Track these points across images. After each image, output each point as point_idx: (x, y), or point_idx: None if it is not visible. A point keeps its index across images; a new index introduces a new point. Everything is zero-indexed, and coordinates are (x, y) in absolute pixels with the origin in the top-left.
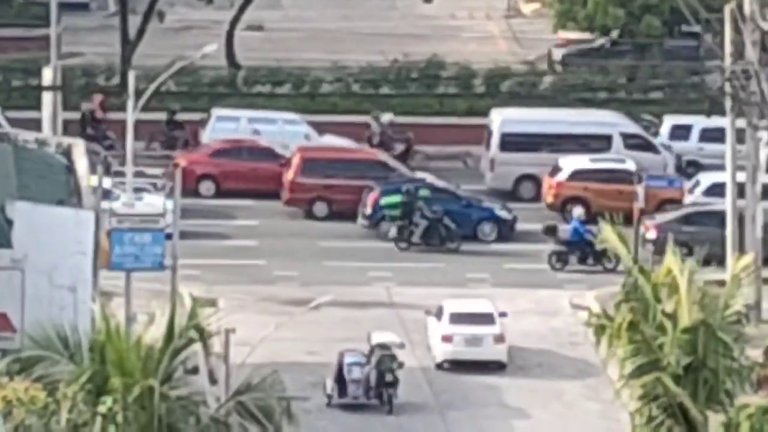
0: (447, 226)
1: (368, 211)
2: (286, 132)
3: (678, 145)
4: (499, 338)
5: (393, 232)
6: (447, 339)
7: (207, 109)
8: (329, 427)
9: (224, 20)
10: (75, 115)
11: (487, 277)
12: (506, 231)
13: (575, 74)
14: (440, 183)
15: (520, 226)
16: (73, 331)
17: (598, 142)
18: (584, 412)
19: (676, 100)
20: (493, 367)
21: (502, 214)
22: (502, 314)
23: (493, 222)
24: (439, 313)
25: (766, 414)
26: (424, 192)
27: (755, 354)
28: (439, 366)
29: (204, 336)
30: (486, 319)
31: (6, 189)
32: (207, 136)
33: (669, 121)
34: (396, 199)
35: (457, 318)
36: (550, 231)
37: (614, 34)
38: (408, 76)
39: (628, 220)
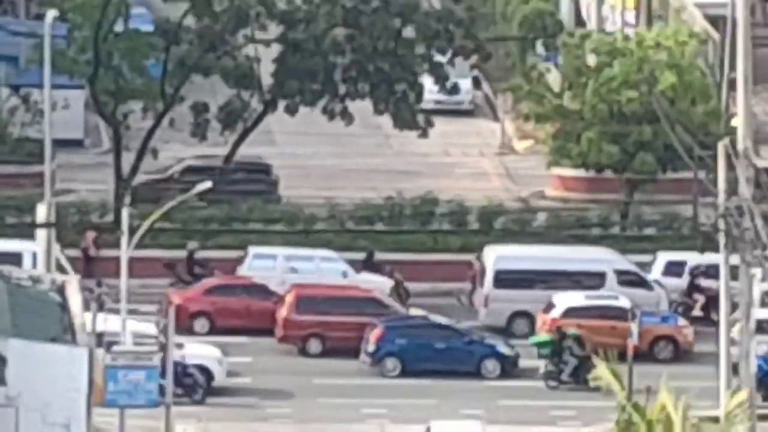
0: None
1: (371, 348)
2: (324, 269)
3: (671, 282)
4: None
5: (542, 370)
6: None
7: (202, 246)
8: None
9: (218, 157)
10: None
11: (481, 413)
12: (509, 367)
13: (569, 210)
14: (441, 319)
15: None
16: None
17: (592, 279)
18: None
19: (669, 236)
20: None
21: (505, 350)
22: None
23: (496, 358)
24: None
25: None
26: (572, 332)
27: None
28: None
29: None
30: None
31: None
32: (244, 273)
33: (662, 258)
34: (546, 338)
35: None
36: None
37: None
38: (402, 213)
39: (622, 356)
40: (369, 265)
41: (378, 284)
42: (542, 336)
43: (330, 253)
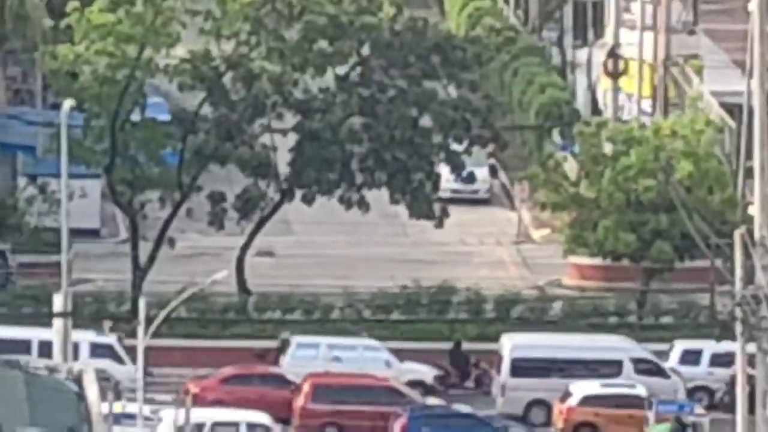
0: None
1: None
2: (367, 358)
3: (688, 370)
4: None
5: None
6: None
7: (218, 336)
8: None
9: (235, 246)
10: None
11: None
12: None
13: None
14: (465, 409)
15: None
16: None
17: (609, 368)
18: None
19: (686, 325)
20: None
21: None
22: None
23: None
24: None
25: None
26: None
27: None
28: None
29: None
30: None
31: (17, 416)
32: (287, 362)
33: (679, 346)
34: (667, 427)
35: None
36: None
37: None
38: (418, 302)
39: None
40: (456, 354)
41: (421, 373)
42: (662, 426)
43: (373, 342)
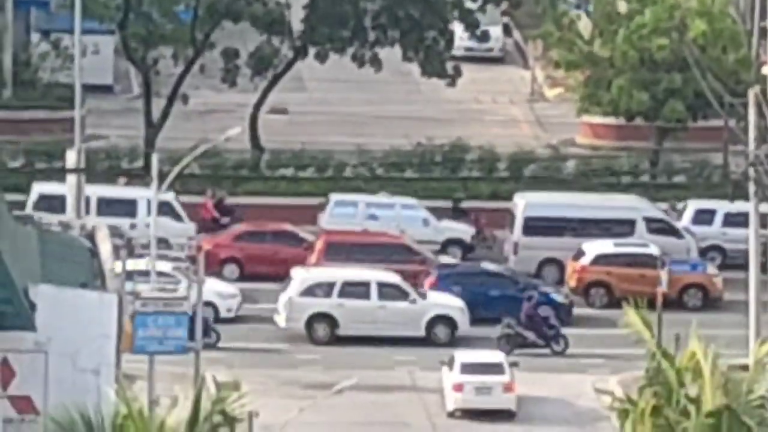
0: None
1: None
2: (404, 217)
3: (701, 230)
4: (509, 387)
5: None
6: (458, 388)
7: (231, 192)
8: None
9: (248, 103)
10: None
11: (515, 360)
12: (564, 315)
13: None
14: (495, 267)
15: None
16: (97, 414)
17: (622, 227)
18: None
19: (699, 184)
20: (503, 415)
21: (559, 298)
22: (514, 364)
23: (550, 307)
24: (450, 363)
25: None
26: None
27: None
28: (451, 414)
29: (229, 420)
30: (496, 368)
31: (29, 272)
32: (325, 220)
33: (692, 206)
34: None
35: (468, 368)
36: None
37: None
38: (432, 160)
39: (651, 304)
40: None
41: (460, 232)
42: None
43: (411, 200)
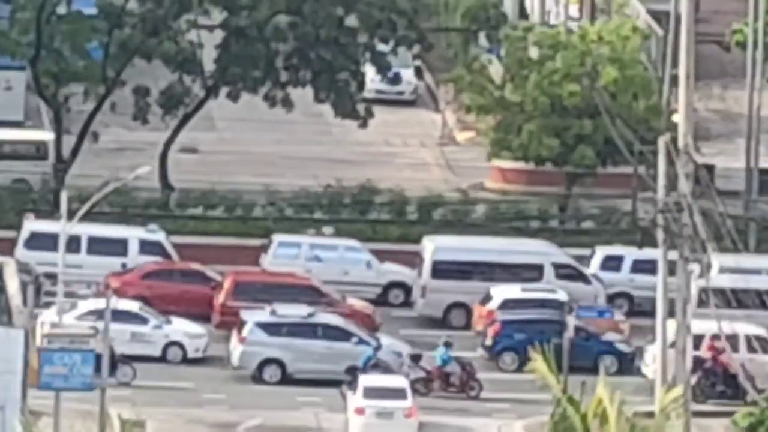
0: None
1: (489, 342)
2: (348, 259)
3: (609, 276)
4: (410, 412)
5: None
6: (359, 411)
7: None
8: None
9: (158, 142)
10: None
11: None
12: (626, 364)
13: (508, 203)
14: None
15: None
16: None
17: (530, 272)
18: None
19: (607, 230)
20: None
21: (622, 347)
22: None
23: (613, 355)
24: (354, 386)
25: None
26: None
27: None
28: None
29: None
30: (398, 393)
31: None
32: (269, 261)
33: (601, 252)
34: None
35: (370, 392)
36: (415, 359)
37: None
38: (341, 202)
39: (558, 350)
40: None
41: (402, 275)
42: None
43: (354, 242)
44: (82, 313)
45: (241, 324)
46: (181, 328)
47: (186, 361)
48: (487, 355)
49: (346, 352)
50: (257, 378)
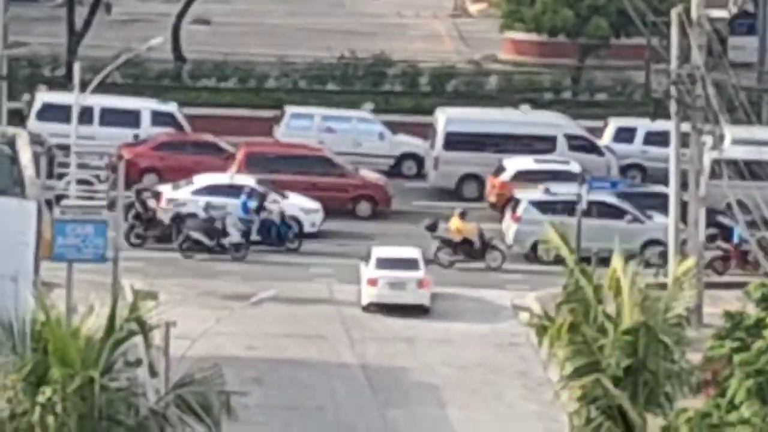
0: None
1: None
2: (360, 130)
3: (622, 148)
4: (423, 283)
5: None
6: (372, 282)
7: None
8: (270, 421)
9: (171, 13)
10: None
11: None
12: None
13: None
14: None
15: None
16: (15, 321)
17: (543, 143)
18: (523, 412)
19: (620, 102)
20: (417, 311)
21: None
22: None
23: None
24: (366, 258)
25: (704, 418)
26: None
27: (695, 357)
28: (365, 308)
29: (145, 328)
30: (410, 264)
31: None
32: (281, 133)
33: (614, 124)
34: None
35: (383, 263)
36: (432, 228)
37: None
38: (354, 73)
39: None
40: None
41: (415, 146)
42: None
43: (367, 114)
44: (198, 188)
45: (515, 202)
46: (297, 203)
47: (302, 234)
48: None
49: (620, 231)
50: (531, 257)
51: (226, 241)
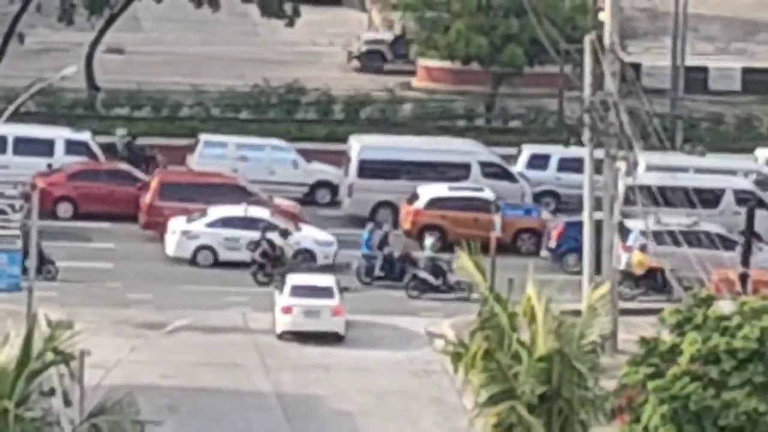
0: None
1: (552, 244)
2: (274, 158)
3: (536, 175)
4: (337, 310)
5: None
6: (286, 310)
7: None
8: None
9: (84, 42)
10: None
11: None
12: None
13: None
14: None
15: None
16: None
17: (457, 171)
18: None
19: (534, 129)
20: (331, 338)
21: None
22: (345, 289)
23: None
24: (281, 286)
25: None
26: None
27: (610, 384)
28: (280, 337)
29: (65, 358)
30: (325, 292)
31: None
32: (195, 161)
33: (527, 151)
34: None
35: (297, 290)
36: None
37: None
38: (268, 102)
39: (485, 248)
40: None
41: (330, 174)
42: None
43: (281, 142)
44: (213, 220)
45: (625, 231)
46: (310, 235)
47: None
48: (551, 257)
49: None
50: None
51: (451, 280)
